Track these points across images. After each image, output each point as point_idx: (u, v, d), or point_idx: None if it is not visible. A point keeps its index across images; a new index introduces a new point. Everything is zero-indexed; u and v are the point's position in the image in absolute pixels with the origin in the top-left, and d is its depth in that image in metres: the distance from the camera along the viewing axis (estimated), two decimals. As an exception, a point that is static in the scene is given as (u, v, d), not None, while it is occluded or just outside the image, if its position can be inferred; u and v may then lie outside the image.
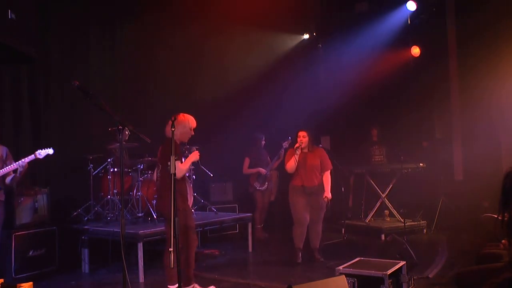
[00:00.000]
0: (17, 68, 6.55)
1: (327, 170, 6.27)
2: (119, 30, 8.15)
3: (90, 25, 7.70)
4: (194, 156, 4.84)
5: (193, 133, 4.84)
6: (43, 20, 6.78)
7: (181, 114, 4.81)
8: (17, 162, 5.11)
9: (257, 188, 7.99)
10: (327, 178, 6.24)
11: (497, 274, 3.06)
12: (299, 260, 6.23)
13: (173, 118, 4.11)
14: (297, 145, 6.15)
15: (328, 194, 6.16)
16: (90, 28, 7.70)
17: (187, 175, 6.79)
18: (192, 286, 4.82)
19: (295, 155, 6.14)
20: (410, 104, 8.79)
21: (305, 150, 6.24)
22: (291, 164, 6.18)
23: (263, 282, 5.31)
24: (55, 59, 7.15)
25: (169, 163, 3.86)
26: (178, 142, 4.74)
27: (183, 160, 4.78)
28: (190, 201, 5.38)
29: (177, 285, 4.64)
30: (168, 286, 4.75)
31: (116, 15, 8.06)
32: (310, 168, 6.18)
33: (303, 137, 6.19)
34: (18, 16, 4.18)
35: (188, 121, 4.78)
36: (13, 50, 4.29)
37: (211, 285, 5.06)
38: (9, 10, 4.09)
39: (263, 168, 7.97)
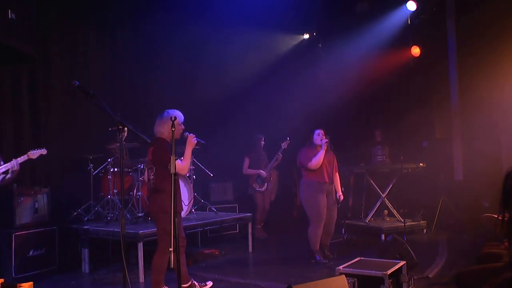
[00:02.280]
0: (17, 68, 6.56)
1: (337, 171, 6.43)
2: (119, 30, 8.15)
3: (90, 24, 7.71)
4: (190, 143, 4.59)
5: (183, 127, 4.63)
6: (43, 20, 6.79)
7: (166, 110, 4.66)
8: (9, 163, 5.09)
9: (257, 189, 7.99)
10: (338, 179, 6.43)
11: (497, 274, 3.06)
12: (323, 260, 6.14)
13: (173, 118, 3.96)
14: (326, 141, 6.15)
15: (341, 194, 6.35)
16: (90, 28, 7.71)
17: (187, 175, 6.82)
18: None
19: (322, 150, 6.12)
20: (410, 104, 8.79)
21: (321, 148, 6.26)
22: (319, 160, 6.12)
23: (263, 282, 5.31)
24: (55, 59, 7.15)
25: (169, 165, 3.78)
26: (168, 140, 4.57)
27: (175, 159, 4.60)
28: (190, 202, 5.37)
29: None
30: None
31: (116, 15, 8.06)
32: (330, 164, 6.26)
33: (323, 135, 6.24)
34: (18, 16, 4.17)
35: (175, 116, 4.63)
36: (13, 50, 4.28)
37: (209, 281, 5.07)
38: (9, 10, 4.08)
39: (262, 169, 7.97)
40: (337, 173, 6.43)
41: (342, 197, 6.39)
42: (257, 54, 9.28)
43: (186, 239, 4.81)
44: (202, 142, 4.75)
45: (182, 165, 4.53)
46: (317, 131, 6.27)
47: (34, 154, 5.28)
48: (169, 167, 3.73)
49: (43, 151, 5.37)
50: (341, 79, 9.11)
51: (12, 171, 5.10)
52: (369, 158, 8.55)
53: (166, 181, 4.31)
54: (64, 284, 5.61)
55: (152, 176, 4.60)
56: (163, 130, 4.60)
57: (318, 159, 6.13)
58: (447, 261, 6.01)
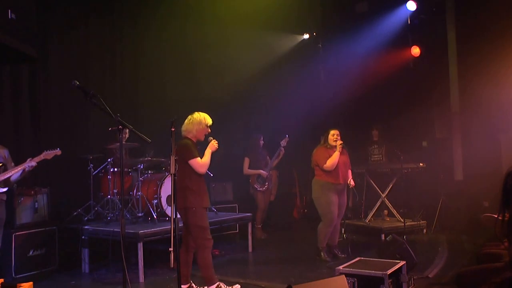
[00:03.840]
0: (17, 68, 6.56)
1: (350, 168, 6.49)
2: (119, 30, 8.15)
3: (90, 24, 7.71)
4: (212, 146, 4.80)
5: (209, 130, 4.87)
6: (43, 20, 6.79)
7: (196, 112, 4.86)
8: (25, 163, 5.11)
9: (258, 189, 7.99)
10: (350, 173, 6.48)
11: (497, 274, 3.06)
12: (326, 258, 6.24)
13: (173, 119, 4.13)
14: (340, 142, 6.20)
15: (352, 181, 6.39)
16: (90, 28, 7.71)
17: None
18: (216, 285, 4.81)
19: (337, 152, 6.17)
20: (410, 104, 8.79)
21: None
22: (334, 162, 6.16)
23: (263, 282, 5.31)
24: (55, 59, 7.15)
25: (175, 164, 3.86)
26: (194, 140, 4.80)
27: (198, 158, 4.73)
28: None
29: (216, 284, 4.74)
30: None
31: (116, 15, 8.07)
32: (344, 165, 6.31)
33: (337, 135, 6.29)
34: (18, 16, 4.18)
35: (203, 118, 4.83)
36: (13, 50, 4.28)
37: (236, 284, 5.08)
38: (9, 10, 4.09)
39: (262, 168, 7.97)
40: (349, 170, 6.49)
41: (353, 184, 6.40)
42: (257, 54, 9.28)
43: (212, 239, 4.82)
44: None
45: (202, 162, 4.69)
46: (332, 132, 6.33)
47: (49, 154, 5.30)
48: (172, 167, 3.78)
49: (58, 152, 5.37)
50: (341, 79, 9.12)
51: (29, 168, 5.13)
52: (366, 158, 8.56)
53: (188, 178, 4.65)
54: (64, 284, 5.60)
55: (178, 174, 4.68)
56: (191, 129, 4.81)
57: (333, 162, 6.18)
58: (447, 261, 6.01)
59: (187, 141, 4.76)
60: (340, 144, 6.18)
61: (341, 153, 6.28)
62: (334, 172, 6.21)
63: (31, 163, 5.12)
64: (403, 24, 9.04)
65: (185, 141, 4.75)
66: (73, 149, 6.97)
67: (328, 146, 6.30)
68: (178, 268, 3.82)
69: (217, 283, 4.79)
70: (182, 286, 4.66)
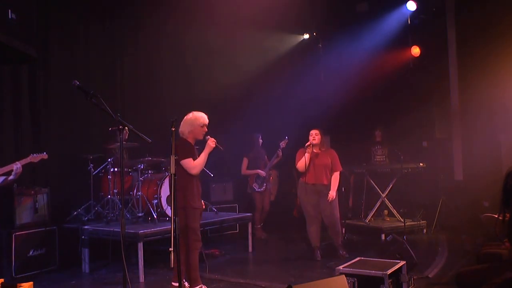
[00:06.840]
0: (17, 68, 6.56)
1: (337, 171, 6.40)
2: (119, 30, 8.14)
3: (90, 24, 7.70)
4: (209, 145, 4.73)
5: (206, 129, 4.81)
6: (43, 20, 6.79)
7: (192, 112, 4.83)
8: (12, 164, 5.12)
9: (256, 189, 7.98)
10: (335, 178, 6.36)
11: (497, 274, 3.06)
12: (319, 258, 6.28)
13: (173, 119, 4.09)
14: (308, 143, 6.22)
15: (332, 193, 6.26)
16: (90, 28, 7.70)
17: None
18: (199, 287, 4.78)
19: (306, 153, 6.20)
20: (410, 104, 8.79)
21: (316, 149, 6.30)
22: (301, 162, 6.24)
23: (263, 282, 5.31)
24: (55, 59, 7.15)
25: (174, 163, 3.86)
26: (190, 141, 4.77)
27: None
28: None
29: (199, 286, 4.73)
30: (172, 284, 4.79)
31: (116, 15, 8.06)
32: (320, 166, 6.28)
33: (315, 135, 6.27)
34: (18, 16, 4.17)
35: (196, 119, 4.77)
36: (13, 50, 4.28)
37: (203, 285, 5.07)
38: (9, 10, 4.08)
39: (261, 168, 7.96)
40: (336, 173, 6.37)
41: (331, 197, 6.23)
42: (257, 54, 9.28)
43: (201, 241, 4.82)
44: (221, 148, 4.85)
45: (194, 163, 4.67)
46: (311, 132, 6.32)
47: (36, 157, 5.34)
48: (169, 167, 3.79)
49: (44, 156, 5.44)
50: (341, 79, 9.12)
51: (16, 173, 5.14)
52: (369, 158, 8.55)
53: (183, 179, 4.62)
54: (64, 284, 5.60)
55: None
56: (184, 130, 4.79)
57: (300, 162, 6.28)
58: (447, 261, 6.01)
59: (182, 142, 4.72)
60: (308, 145, 6.20)
61: (319, 154, 6.29)
62: (307, 172, 6.26)
63: (18, 165, 5.11)
64: (403, 24, 9.05)
65: (180, 142, 4.69)
66: (73, 149, 6.98)
67: (306, 146, 6.26)
68: (178, 268, 3.82)
69: (200, 285, 4.77)
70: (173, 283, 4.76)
